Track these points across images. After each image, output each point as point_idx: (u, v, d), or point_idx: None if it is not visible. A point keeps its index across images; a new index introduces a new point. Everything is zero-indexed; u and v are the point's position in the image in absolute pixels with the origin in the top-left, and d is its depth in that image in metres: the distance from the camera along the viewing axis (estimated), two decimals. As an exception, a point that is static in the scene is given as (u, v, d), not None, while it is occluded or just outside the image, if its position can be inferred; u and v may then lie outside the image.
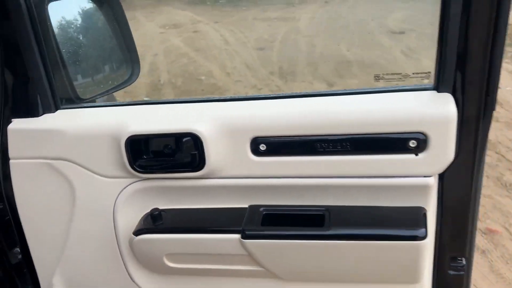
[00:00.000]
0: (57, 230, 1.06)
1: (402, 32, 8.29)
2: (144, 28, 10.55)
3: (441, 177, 0.90)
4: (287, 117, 0.89)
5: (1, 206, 1.23)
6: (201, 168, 0.91)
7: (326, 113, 0.88)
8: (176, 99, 1.01)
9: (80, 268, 1.09)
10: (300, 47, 7.61)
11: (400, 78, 0.93)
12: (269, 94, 0.97)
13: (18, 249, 1.26)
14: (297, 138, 0.88)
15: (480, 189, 0.94)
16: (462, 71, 0.83)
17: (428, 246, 0.87)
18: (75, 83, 1.05)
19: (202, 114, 0.92)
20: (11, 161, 1.02)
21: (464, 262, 0.97)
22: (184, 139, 0.89)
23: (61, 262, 1.09)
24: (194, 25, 11.03)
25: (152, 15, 12.73)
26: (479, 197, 0.95)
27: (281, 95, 0.92)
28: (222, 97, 0.95)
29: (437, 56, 0.85)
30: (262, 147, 0.89)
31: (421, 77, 0.93)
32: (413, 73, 0.94)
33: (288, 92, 1.11)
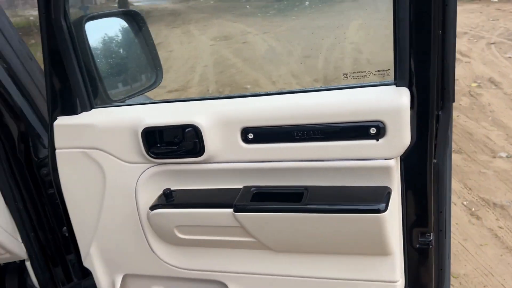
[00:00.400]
0: (92, 209, 1.28)
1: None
2: (197, 41, 11.04)
3: (402, 160, 1.02)
4: (270, 111, 1.05)
5: (52, 191, 1.49)
6: (202, 154, 1.09)
7: (301, 106, 1.03)
8: (181, 98, 1.21)
9: (110, 240, 1.30)
10: (347, 53, 7.65)
11: (364, 76, 1.06)
12: (255, 92, 1.14)
13: (65, 228, 1.51)
14: (278, 128, 1.04)
15: (443, 170, 1.04)
16: (415, 68, 0.95)
17: (388, 219, 0.99)
18: (106, 87, 1.28)
19: (201, 110, 1.10)
20: (57, 151, 1.26)
21: (431, 237, 1.08)
22: (187, 130, 1.08)
23: (95, 236, 1.31)
24: (244, 36, 11.38)
25: (205, 28, 13.27)
26: (444, 178, 1.05)
27: (264, 93, 1.09)
28: (217, 95, 1.14)
29: (394, 55, 0.98)
30: (250, 135, 1.06)
31: (382, 74, 1.05)
32: (376, 71, 1.07)
33: (270, 91, 1.28)
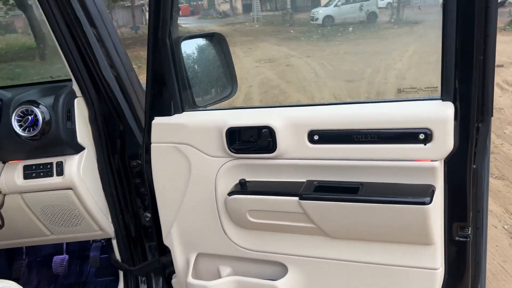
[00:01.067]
0: (177, 195, 1.52)
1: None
2: (242, 63, 11.47)
3: (446, 163, 1.20)
4: (333, 117, 1.27)
5: (138, 181, 1.75)
6: (274, 151, 1.32)
7: (360, 114, 1.23)
8: (258, 105, 1.45)
9: (189, 222, 1.53)
10: (389, 79, 7.77)
11: (416, 91, 1.24)
12: (321, 102, 1.36)
13: (147, 213, 1.76)
14: (340, 132, 1.25)
15: (482, 175, 1.21)
16: (459, 86, 1.14)
17: (432, 211, 1.16)
18: (194, 94, 1.54)
19: (275, 115, 1.33)
20: (152, 145, 1.52)
21: (469, 231, 1.24)
22: (263, 130, 1.31)
23: (177, 219, 1.55)
24: (287, 59, 11.73)
25: (250, 51, 13.76)
26: (482, 181, 1.22)
27: (329, 102, 1.30)
28: (289, 104, 1.36)
29: (442, 74, 1.18)
30: (316, 137, 1.28)
31: (430, 90, 1.24)
32: (425, 88, 1.25)
33: (334, 101, 1.49)
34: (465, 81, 1.12)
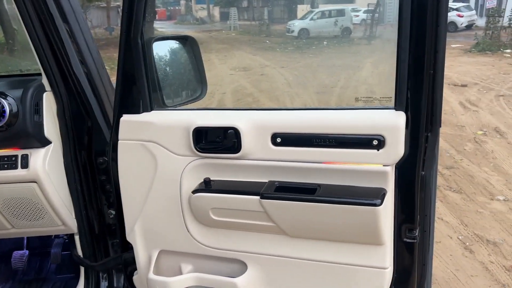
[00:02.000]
0: (141, 192, 1.55)
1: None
2: (217, 70, 11.52)
3: (396, 168, 1.28)
4: (296, 121, 1.33)
5: (104, 178, 1.77)
6: (238, 151, 1.37)
7: (320, 120, 1.30)
8: (224, 107, 1.50)
9: (152, 219, 1.56)
10: (359, 93, 7.99)
11: (372, 100, 1.32)
12: (285, 107, 1.43)
13: (112, 211, 1.78)
14: (301, 135, 1.32)
15: (430, 181, 1.30)
16: (411, 97, 1.23)
17: (383, 212, 1.24)
18: (164, 94, 1.58)
19: (241, 116, 1.39)
20: (119, 141, 1.54)
21: (417, 233, 1.33)
22: (229, 131, 1.36)
23: (141, 215, 1.57)
24: (262, 69, 11.87)
25: (225, 58, 13.85)
26: (430, 187, 1.31)
27: (292, 108, 1.37)
28: (254, 107, 1.42)
29: (396, 86, 1.26)
30: (278, 139, 1.34)
31: (385, 100, 1.33)
32: (380, 97, 1.34)
33: (297, 106, 1.56)
34: (416, 92, 1.21)
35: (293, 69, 11.51)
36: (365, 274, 1.34)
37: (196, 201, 1.42)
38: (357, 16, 18.64)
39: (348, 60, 12.19)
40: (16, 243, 2.10)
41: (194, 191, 1.42)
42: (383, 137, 1.22)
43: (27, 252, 2.07)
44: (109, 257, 1.78)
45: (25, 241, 2.12)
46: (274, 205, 1.33)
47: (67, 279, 2.00)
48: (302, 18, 19.18)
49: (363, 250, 1.33)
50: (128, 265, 1.64)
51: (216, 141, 1.39)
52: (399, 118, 1.22)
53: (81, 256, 1.78)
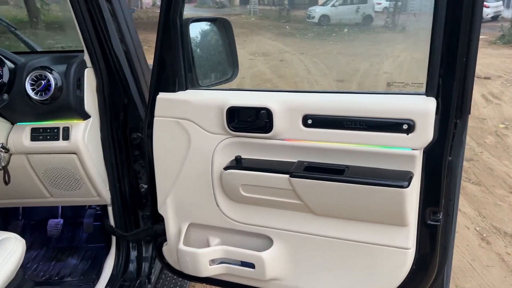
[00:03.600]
0: (174, 168, 1.61)
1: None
2: (236, 54, 11.50)
3: (425, 152, 1.32)
4: (326, 104, 1.38)
5: (137, 153, 1.85)
6: (270, 131, 1.42)
7: (352, 103, 1.34)
8: (258, 88, 1.55)
9: (184, 193, 1.63)
10: (379, 82, 7.93)
11: (403, 86, 1.36)
12: (317, 90, 1.48)
13: (143, 185, 1.86)
14: (332, 117, 1.36)
15: (455, 167, 1.34)
16: (443, 84, 1.27)
17: (409, 195, 1.28)
18: (198, 74, 1.64)
19: (274, 98, 1.43)
20: (155, 118, 1.61)
21: (441, 216, 1.37)
22: (261, 112, 1.41)
23: (173, 189, 1.64)
24: (281, 55, 11.82)
25: (244, 43, 13.81)
26: (456, 173, 1.35)
27: (324, 90, 1.41)
28: (286, 89, 1.47)
29: (428, 72, 1.30)
30: (309, 121, 1.39)
31: (417, 85, 1.36)
32: (412, 83, 1.38)
33: (329, 89, 1.61)
34: (448, 79, 1.24)
35: (312, 55, 11.43)
36: (388, 253, 1.39)
37: (227, 177, 1.49)
38: (379, 4, 18.33)
39: (368, 49, 12.06)
40: (51, 212, 2.21)
41: (226, 168, 1.48)
42: (413, 121, 1.26)
43: (61, 220, 2.18)
44: (140, 228, 1.87)
45: (60, 210, 2.23)
46: (303, 184, 1.39)
47: (98, 248, 2.10)
48: (323, 4, 18.94)
49: (387, 230, 1.38)
50: (158, 236, 1.72)
51: (248, 121, 1.44)
52: (430, 104, 1.25)
53: (114, 225, 1.87)
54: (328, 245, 1.47)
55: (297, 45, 13.69)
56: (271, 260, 1.53)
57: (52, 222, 2.15)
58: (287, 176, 1.40)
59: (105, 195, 1.81)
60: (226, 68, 1.75)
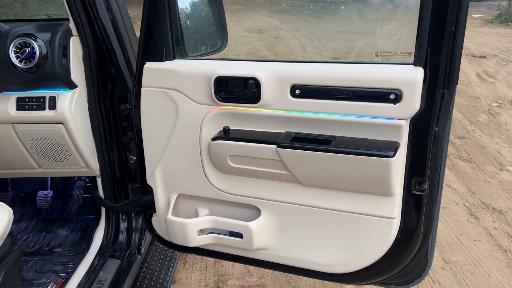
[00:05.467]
0: (162, 138, 1.61)
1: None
2: (231, 31, 11.33)
3: (411, 122, 1.32)
4: (315, 74, 1.37)
5: (125, 125, 1.84)
6: (258, 101, 1.42)
7: (339, 73, 1.33)
8: (246, 58, 1.54)
9: (172, 164, 1.63)
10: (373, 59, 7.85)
11: (392, 55, 1.36)
12: (304, 60, 1.47)
13: (132, 156, 1.85)
14: (320, 87, 1.36)
15: (442, 137, 1.34)
16: (430, 53, 1.26)
17: (395, 164, 1.29)
18: (186, 44, 1.62)
19: (262, 68, 1.42)
20: (142, 88, 1.59)
21: (426, 186, 1.38)
22: (249, 81, 1.40)
23: (161, 160, 1.64)
24: (277, 32, 11.69)
25: (240, 20, 13.62)
26: (442, 143, 1.36)
27: (312, 60, 1.40)
28: (274, 59, 1.45)
29: (416, 42, 1.29)
30: (297, 91, 1.38)
31: (405, 55, 1.36)
32: (400, 52, 1.38)
33: (317, 59, 1.59)
34: (436, 49, 1.23)
35: (308, 33, 11.31)
36: (373, 223, 1.41)
37: (215, 148, 1.49)
38: (377, -19, 18.02)
39: (365, 27, 11.93)
40: (41, 184, 2.21)
41: (214, 138, 1.48)
42: (400, 91, 1.26)
43: (51, 192, 2.18)
44: (129, 199, 1.87)
45: (49, 182, 2.23)
46: (290, 154, 1.39)
47: (89, 219, 2.11)
48: (320, -19, 18.63)
49: (373, 200, 1.39)
50: (147, 207, 1.73)
51: (236, 91, 1.43)
52: (418, 73, 1.25)
53: (103, 196, 1.87)
54: (314, 215, 1.48)
55: (293, 22, 13.53)
56: (259, 230, 1.54)
57: (41, 193, 2.15)
58: (275, 146, 1.40)
59: (94, 166, 1.81)
60: (215, 39, 1.73)
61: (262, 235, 1.55)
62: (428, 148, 1.31)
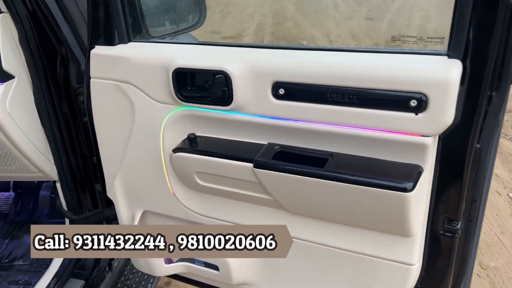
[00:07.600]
0: (120, 141, 1.30)
1: None
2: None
3: (441, 139, 0.93)
4: (305, 67, 0.99)
5: (86, 120, 1.51)
6: (229, 103, 1.06)
7: (339, 66, 0.95)
8: (216, 42, 1.15)
9: (133, 175, 1.32)
10: (413, 20, 7.15)
11: (414, 41, 0.95)
12: (291, 45, 1.07)
13: (95, 158, 1.55)
14: (311, 87, 0.97)
15: (485, 157, 0.95)
16: (474, 39, 0.84)
17: (414, 200, 0.92)
18: (147, 22, 1.26)
19: (234, 56, 1.05)
20: (91, 80, 1.27)
21: (459, 226, 1.00)
22: (217, 76, 1.04)
23: (120, 168, 1.34)
24: (308, -11, 10.96)
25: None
26: (485, 165, 0.96)
27: (302, 47, 1.01)
28: (251, 43, 1.07)
29: (452, 23, 0.87)
30: (281, 91, 1.01)
31: (435, 42, 0.94)
32: (428, 38, 0.96)
33: (309, 45, 1.19)
34: (482, 34, 0.81)
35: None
36: (384, 268, 1.05)
37: (178, 161, 1.15)
38: None
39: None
40: (4, 185, 1.96)
41: (175, 150, 1.14)
42: (425, 96, 0.86)
43: (13, 194, 1.93)
44: (89, 212, 1.58)
45: (11, 183, 1.97)
46: (270, 177, 1.03)
47: (60, 223, 1.85)
48: None
49: (384, 239, 1.03)
50: (110, 222, 1.44)
51: (203, 87, 1.07)
52: (453, 69, 0.84)
53: (65, 205, 1.59)
54: (308, 251, 1.13)
55: (326, -22, 12.69)
56: (238, 263, 1.21)
57: (2, 195, 1.90)
58: (251, 165, 1.04)
59: (49, 171, 1.51)
60: (190, 13, 1.34)
61: (243, 269, 1.23)
62: (465, 173, 0.92)
